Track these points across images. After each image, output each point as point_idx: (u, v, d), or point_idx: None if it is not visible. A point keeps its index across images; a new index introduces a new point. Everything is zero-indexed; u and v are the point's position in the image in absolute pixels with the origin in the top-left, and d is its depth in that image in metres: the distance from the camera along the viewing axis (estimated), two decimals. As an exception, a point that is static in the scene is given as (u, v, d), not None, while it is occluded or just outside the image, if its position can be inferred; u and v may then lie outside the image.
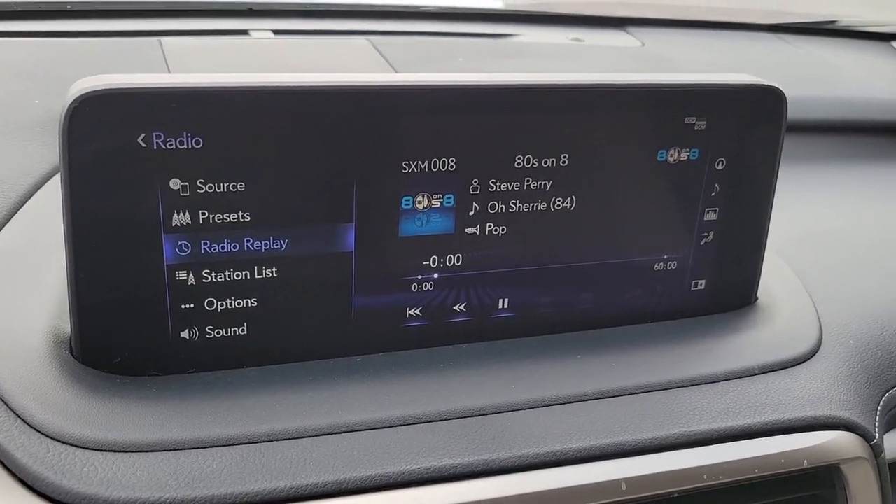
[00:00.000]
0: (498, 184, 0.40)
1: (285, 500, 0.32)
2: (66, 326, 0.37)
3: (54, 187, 0.47)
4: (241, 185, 0.36)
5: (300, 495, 0.32)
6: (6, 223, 0.43)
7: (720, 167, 0.44)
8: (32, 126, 0.52)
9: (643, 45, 0.82)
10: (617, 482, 0.36)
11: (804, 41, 0.91)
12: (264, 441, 0.34)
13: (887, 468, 0.42)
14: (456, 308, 0.41)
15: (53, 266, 0.40)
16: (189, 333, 0.38)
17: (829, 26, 0.95)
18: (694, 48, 0.84)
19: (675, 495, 0.37)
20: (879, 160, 0.75)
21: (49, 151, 0.50)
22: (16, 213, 0.44)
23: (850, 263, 0.54)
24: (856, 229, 0.60)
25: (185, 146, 0.35)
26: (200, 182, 0.35)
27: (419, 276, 0.40)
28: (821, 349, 0.45)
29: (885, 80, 0.83)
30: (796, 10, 0.99)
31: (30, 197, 0.46)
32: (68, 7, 0.71)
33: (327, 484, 0.33)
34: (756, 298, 0.47)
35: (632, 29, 0.86)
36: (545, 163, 0.40)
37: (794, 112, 0.73)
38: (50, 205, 0.45)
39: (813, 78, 0.81)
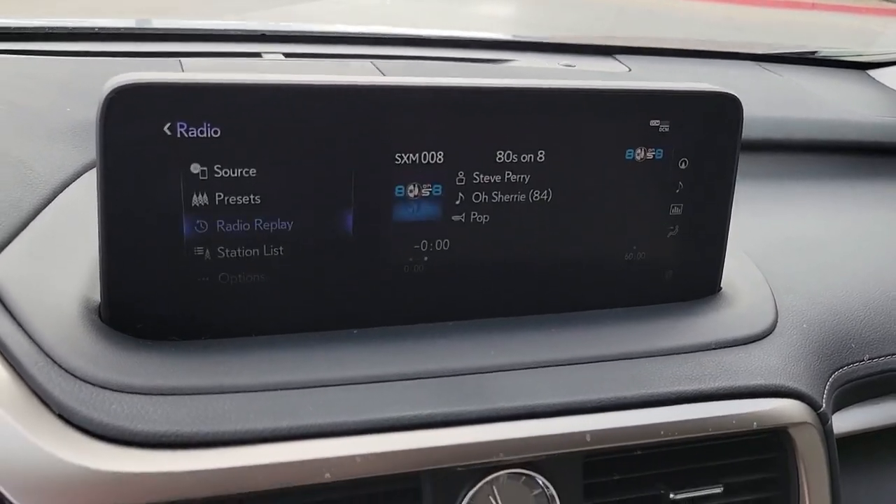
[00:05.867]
0: (481, 176, 0.45)
1: (285, 439, 0.37)
2: (96, 296, 0.42)
3: (86, 182, 0.52)
4: (252, 171, 0.41)
5: (298, 434, 0.37)
6: (43, 209, 0.48)
7: (683, 166, 0.48)
8: (65, 131, 0.57)
9: (629, 70, 0.88)
10: (582, 434, 0.40)
11: (785, 69, 0.96)
12: (269, 390, 0.39)
13: (834, 436, 0.46)
14: (443, 289, 0.46)
15: (84, 245, 0.45)
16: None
17: (810, 56, 1.01)
18: (678, 74, 0.89)
19: (639, 452, 0.41)
20: (854, 177, 0.79)
21: (80, 153, 0.55)
22: (51, 201, 0.49)
23: (817, 265, 0.59)
24: (827, 238, 0.64)
25: (204, 135, 0.40)
26: (217, 167, 0.40)
27: (410, 259, 0.45)
28: (775, 330, 0.49)
29: (861, 105, 0.88)
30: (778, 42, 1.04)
31: (63, 189, 0.51)
32: (97, 31, 0.77)
33: (324, 425, 0.37)
34: (720, 288, 0.52)
35: (620, 56, 0.92)
36: (524, 158, 0.45)
37: (774, 132, 0.78)
38: (81, 195, 0.50)
39: (793, 101, 0.86)
